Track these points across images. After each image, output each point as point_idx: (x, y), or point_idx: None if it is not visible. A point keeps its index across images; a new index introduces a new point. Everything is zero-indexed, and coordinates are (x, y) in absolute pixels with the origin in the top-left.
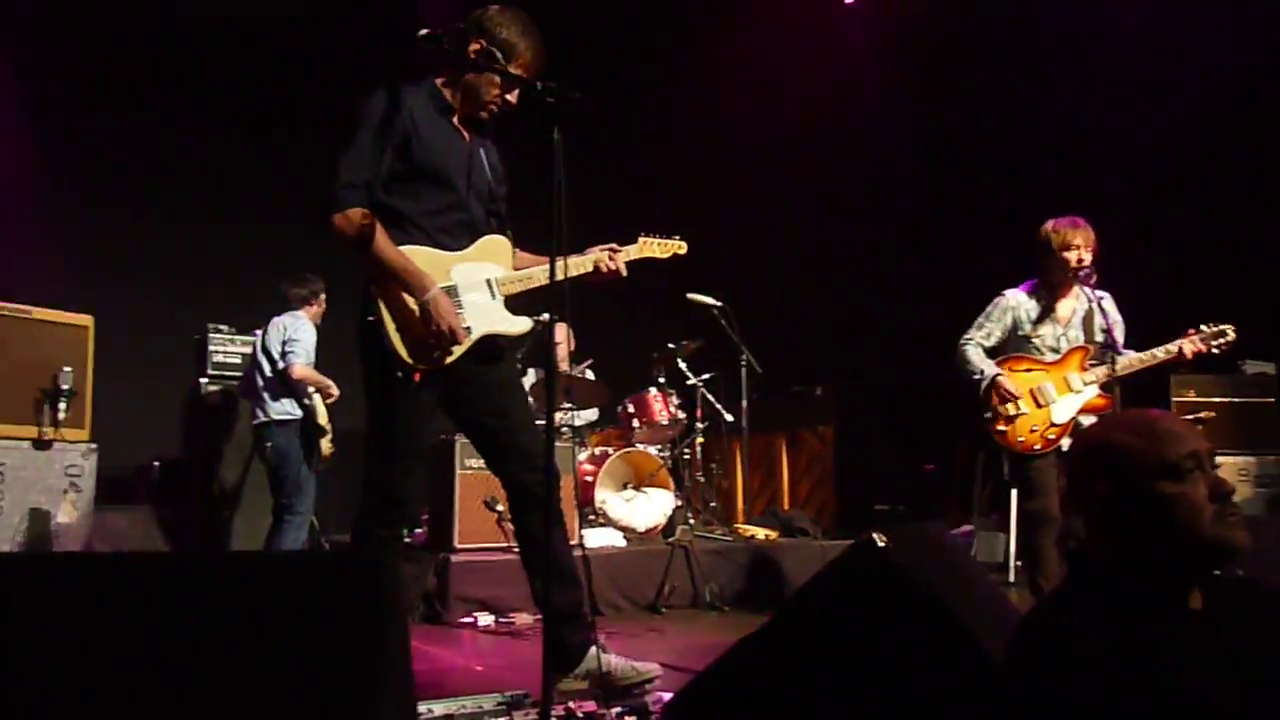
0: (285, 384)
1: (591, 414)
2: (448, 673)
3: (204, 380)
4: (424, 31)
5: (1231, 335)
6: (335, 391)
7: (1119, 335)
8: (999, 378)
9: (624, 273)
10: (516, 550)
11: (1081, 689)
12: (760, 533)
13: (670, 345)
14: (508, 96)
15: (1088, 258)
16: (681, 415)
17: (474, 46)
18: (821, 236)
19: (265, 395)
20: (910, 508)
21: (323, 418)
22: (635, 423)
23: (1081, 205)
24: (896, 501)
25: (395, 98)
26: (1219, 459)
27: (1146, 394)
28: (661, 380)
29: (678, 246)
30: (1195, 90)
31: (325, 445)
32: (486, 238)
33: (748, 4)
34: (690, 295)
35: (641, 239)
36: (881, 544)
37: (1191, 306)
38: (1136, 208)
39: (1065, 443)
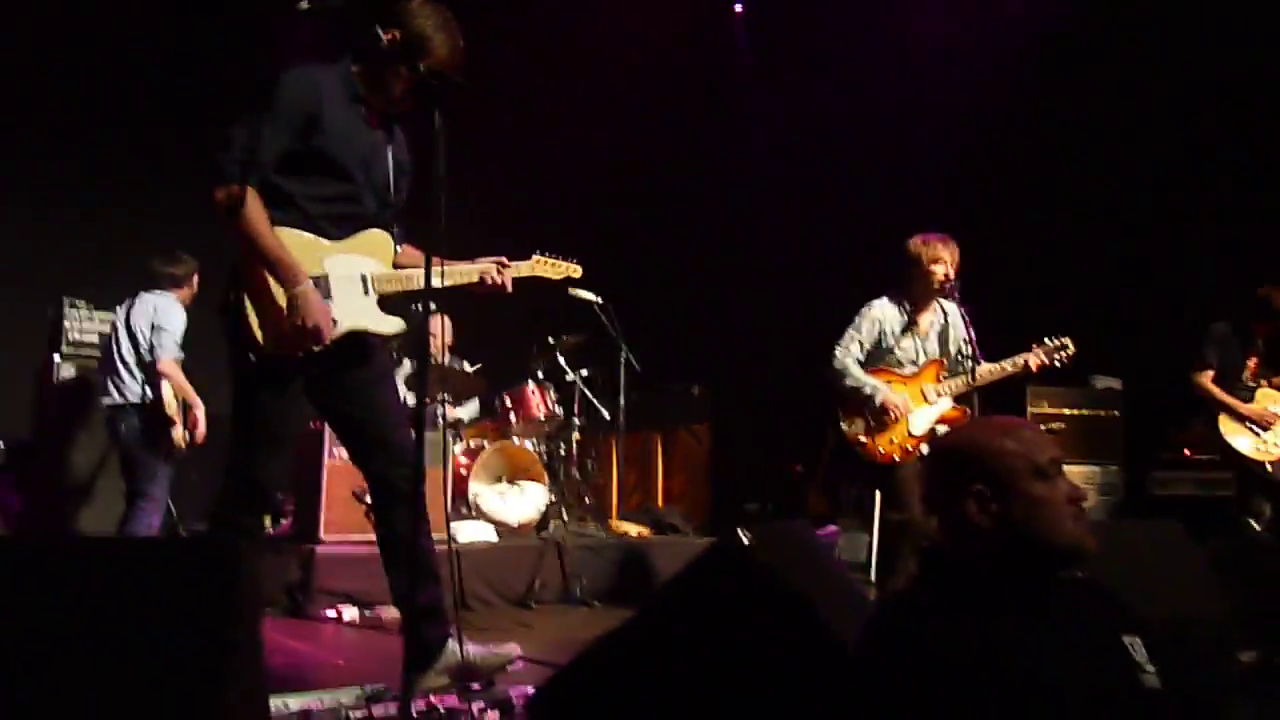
0: (144, 367)
1: (472, 407)
2: (307, 666)
3: (57, 358)
4: (304, 5)
5: (1071, 348)
6: (200, 414)
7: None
8: (888, 396)
9: (509, 289)
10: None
11: (930, 679)
12: (633, 529)
13: (550, 340)
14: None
15: (952, 273)
16: (559, 411)
17: (387, 36)
18: (700, 237)
19: (123, 376)
20: (778, 507)
21: (171, 408)
22: (512, 417)
23: (939, 217)
24: (766, 500)
25: (309, 79)
26: (1065, 467)
27: (1004, 405)
28: (540, 375)
29: (571, 269)
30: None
31: (177, 435)
32: (368, 231)
33: None
34: (571, 290)
35: (535, 258)
36: (745, 541)
37: (1043, 322)
38: (994, 221)
39: (926, 449)
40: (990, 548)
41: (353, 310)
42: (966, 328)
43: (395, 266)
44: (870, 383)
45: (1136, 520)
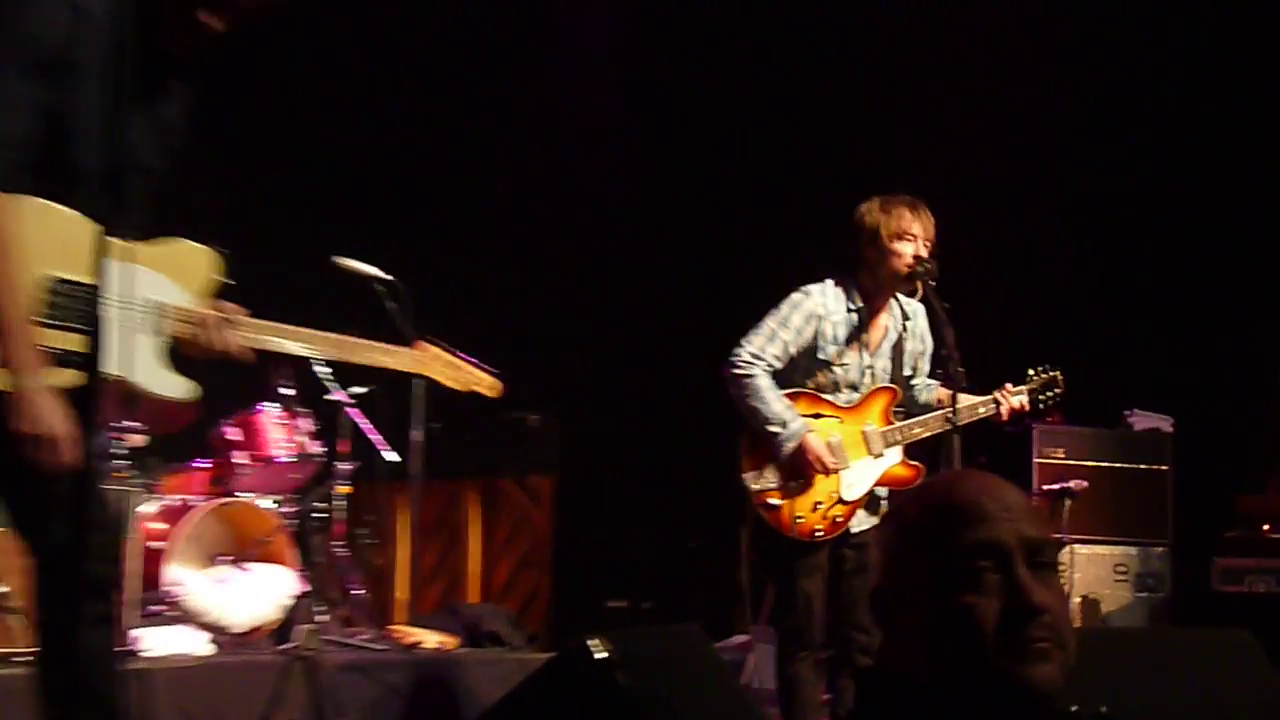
0: None
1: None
2: None
3: None
4: None
5: (1060, 386)
6: None
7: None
8: (811, 439)
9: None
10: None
11: None
12: (431, 638)
13: None
14: (205, 20)
15: (925, 252)
16: (316, 449)
17: None
18: (545, 202)
19: None
20: (661, 605)
21: None
22: (240, 457)
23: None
24: (641, 594)
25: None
26: (1086, 549)
27: (1001, 455)
28: (286, 392)
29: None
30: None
31: None
32: (175, 241)
33: None
34: (339, 260)
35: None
36: (600, 657)
37: (1051, 345)
38: (989, 201)
39: (856, 523)
40: (922, 674)
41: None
42: (944, 336)
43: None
44: (785, 417)
45: (1190, 628)
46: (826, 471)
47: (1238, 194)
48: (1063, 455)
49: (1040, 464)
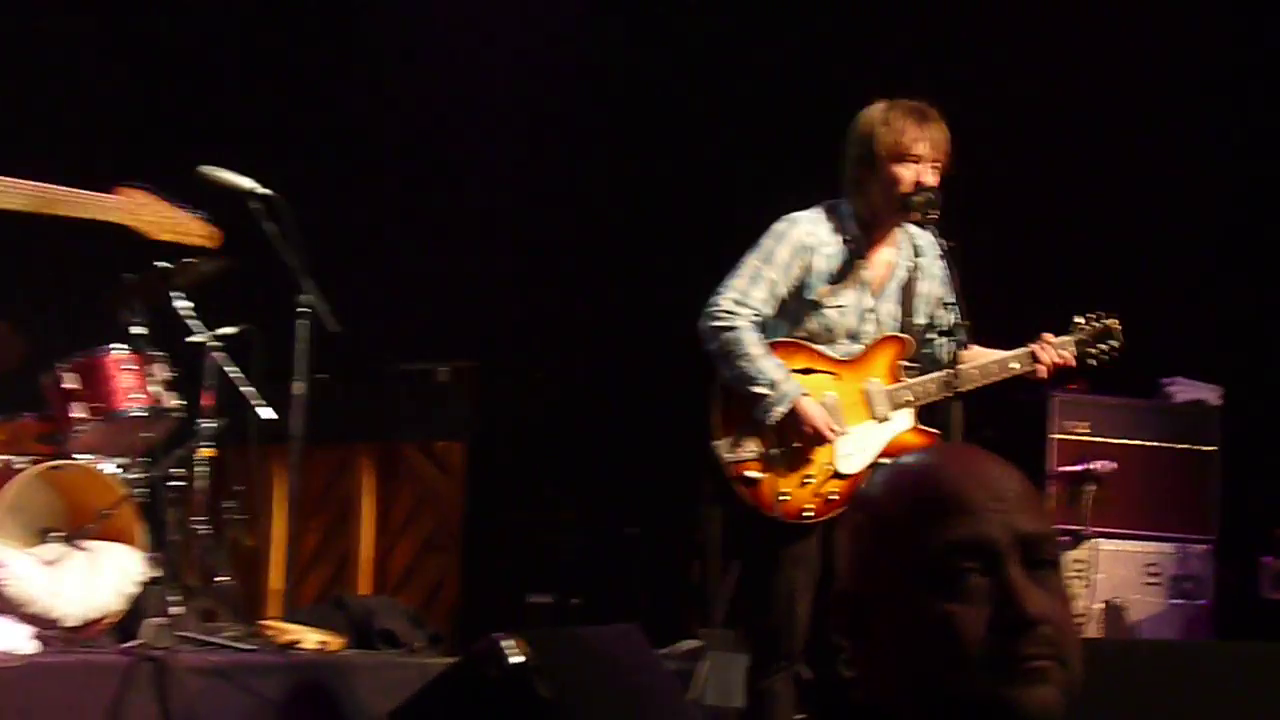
0: None
1: None
2: None
3: None
4: None
5: (1117, 339)
6: None
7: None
8: (806, 402)
9: None
10: None
11: None
12: (311, 637)
13: (160, 263)
14: None
15: (932, 178)
16: (173, 401)
17: None
18: (462, 121)
19: None
20: (593, 601)
21: None
22: (78, 410)
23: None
24: (570, 588)
25: None
26: (1112, 545)
27: (1012, 428)
28: (136, 330)
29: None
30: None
31: None
32: None
33: None
34: (206, 170)
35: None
36: (516, 659)
37: (1084, 296)
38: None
39: None
40: (897, 698)
41: None
42: (951, 278)
43: None
44: (773, 375)
45: (1233, 641)
46: (821, 436)
47: None
48: (1087, 430)
49: (1059, 441)
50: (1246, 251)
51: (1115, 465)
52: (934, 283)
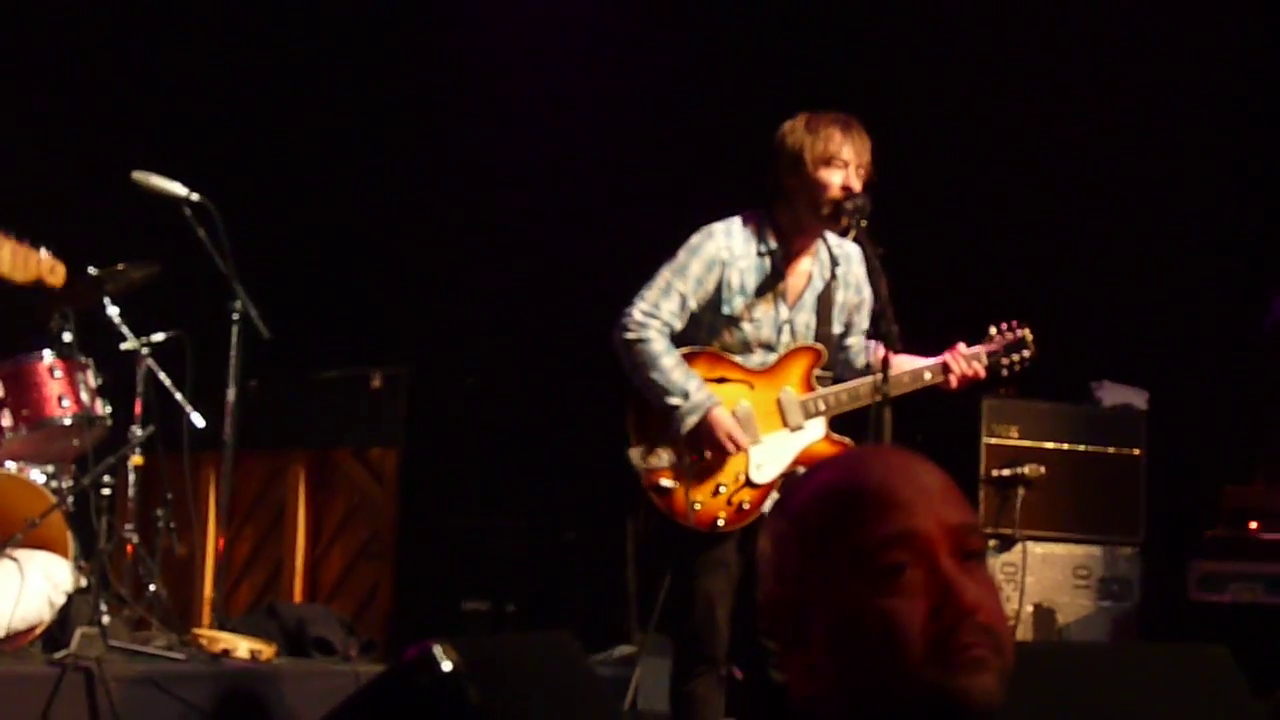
0: None
1: None
2: None
3: None
4: None
5: (1030, 347)
6: None
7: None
8: (718, 413)
9: None
10: None
11: None
12: (243, 645)
13: (93, 270)
14: None
15: (857, 184)
16: (103, 410)
17: None
18: (399, 117)
19: None
20: (529, 608)
21: None
22: (4, 418)
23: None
24: (505, 595)
25: None
26: (1042, 548)
27: (939, 434)
28: (66, 336)
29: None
30: None
31: None
32: None
33: None
34: (139, 175)
35: None
36: (447, 666)
37: (1014, 305)
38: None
39: (770, 510)
40: (825, 693)
41: None
42: (877, 287)
43: None
44: (684, 385)
45: (1161, 643)
46: (731, 447)
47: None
48: (1016, 435)
49: (990, 445)
50: (1174, 255)
51: (1043, 469)
52: (850, 291)
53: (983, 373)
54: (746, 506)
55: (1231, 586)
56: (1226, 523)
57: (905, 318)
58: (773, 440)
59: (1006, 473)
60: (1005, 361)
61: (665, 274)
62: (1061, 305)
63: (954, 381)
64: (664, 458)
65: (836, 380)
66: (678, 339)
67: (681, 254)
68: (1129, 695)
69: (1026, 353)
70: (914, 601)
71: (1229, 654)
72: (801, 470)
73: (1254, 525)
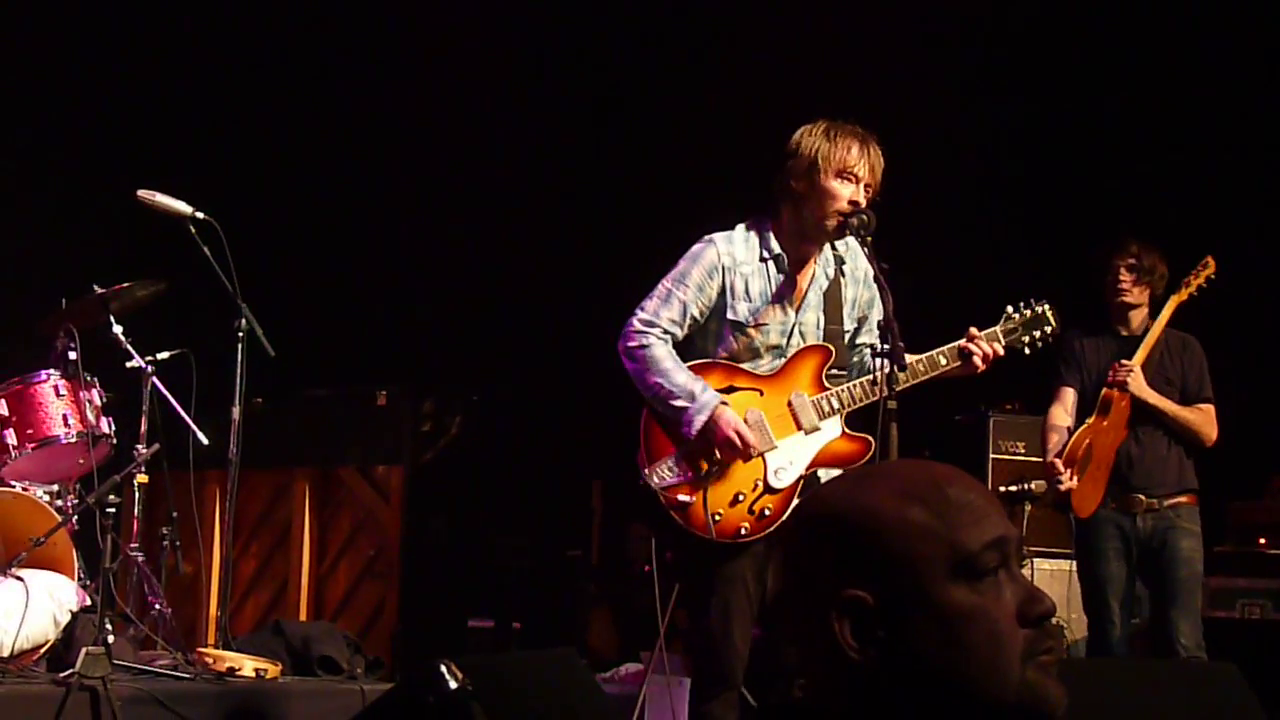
0: None
1: None
2: None
3: None
4: None
5: (1053, 323)
6: None
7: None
8: (723, 411)
9: None
10: None
11: None
12: (249, 664)
13: (98, 288)
14: None
15: (864, 197)
16: (108, 429)
17: None
18: (405, 140)
19: None
20: (535, 625)
21: None
22: (10, 436)
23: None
24: (511, 613)
25: None
26: (1050, 564)
27: (946, 442)
28: (71, 354)
29: None
30: None
31: None
32: None
33: None
34: (145, 194)
35: None
36: (453, 684)
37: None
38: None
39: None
40: (873, 702)
41: None
42: (882, 292)
43: None
44: (689, 387)
45: (1169, 660)
46: (745, 453)
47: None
48: (1023, 450)
49: (997, 460)
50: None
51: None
52: (859, 285)
53: (1002, 351)
54: (769, 513)
55: (1239, 602)
56: (1234, 539)
57: (909, 323)
58: (789, 444)
59: (1013, 488)
60: (1026, 339)
61: (666, 283)
62: (1062, 314)
63: (978, 363)
64: (676, 472)
65: (851, 379)
66: (686, 352)
67: (682, 262)
68: (1139, 712)
69: (1049, 328)
70: (1004, 603)
71: (1237, 670)
72: (826, 472)
73: (1263, 541)
